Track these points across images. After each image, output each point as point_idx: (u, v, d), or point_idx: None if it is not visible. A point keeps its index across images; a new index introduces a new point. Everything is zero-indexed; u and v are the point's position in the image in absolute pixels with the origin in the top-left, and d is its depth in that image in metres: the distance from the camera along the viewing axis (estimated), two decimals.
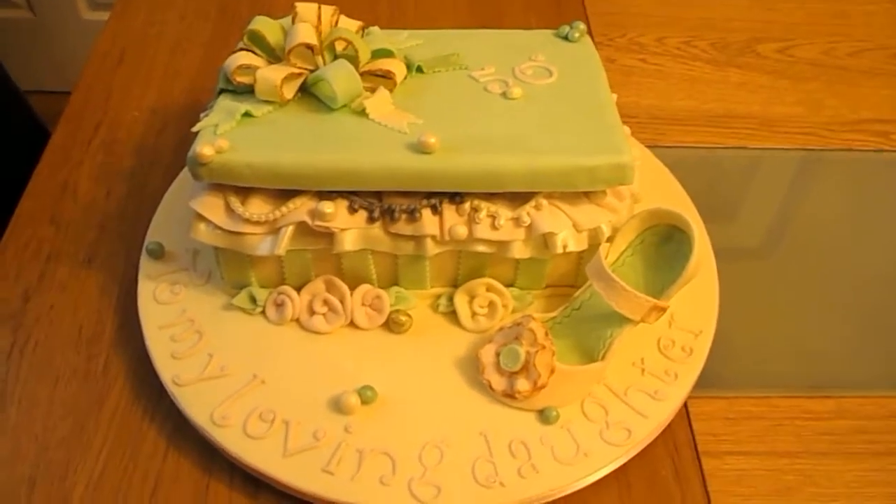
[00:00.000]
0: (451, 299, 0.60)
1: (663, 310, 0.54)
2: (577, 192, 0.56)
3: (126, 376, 0.59)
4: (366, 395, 0.54)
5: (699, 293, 0.61)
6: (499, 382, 0.54)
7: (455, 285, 0.60)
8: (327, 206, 0.54)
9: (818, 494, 0.55)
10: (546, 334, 0.54)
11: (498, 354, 0.55)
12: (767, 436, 0.58)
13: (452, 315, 0.60)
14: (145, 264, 0.62)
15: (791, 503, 0.55)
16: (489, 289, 0.59)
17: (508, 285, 0.60)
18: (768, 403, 0.60)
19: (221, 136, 0.54)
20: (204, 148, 0.53)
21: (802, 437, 0.58)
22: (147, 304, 0.60)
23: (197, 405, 0.54)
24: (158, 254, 0.62)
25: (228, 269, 0.59)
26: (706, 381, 0.59)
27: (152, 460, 0.55)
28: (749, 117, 0.84)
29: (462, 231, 0.55)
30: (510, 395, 0.54)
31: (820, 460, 0.57)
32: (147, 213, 0.67)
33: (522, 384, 0.53)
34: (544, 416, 0.54)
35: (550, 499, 0.52)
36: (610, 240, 0.57)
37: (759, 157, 0.80)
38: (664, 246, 0.57)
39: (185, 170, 0.69)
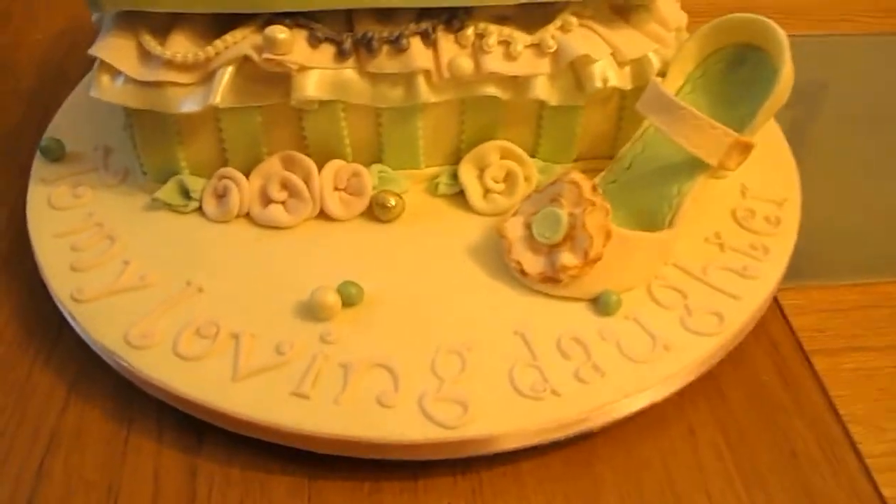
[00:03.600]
0: (453, 177, 0.45)
1: (748, 148, 0.40)
2: (613, 9, 0.42)
3: (11, 309, 0.43)
4: (348, 293, 0.38)
5: (772, 160, 0.47)
6: (533, 263, 0.39)
7: (457, 163, 0.45)
8: (280, 31, 0.39)
9: None
10: (594, 188, 0.39)
11: (529, 226, 0.40)
12: (888, 326, 0.44)
13: (457, 198, 0.44)
14: (39, 167, 0.46)
15: None
16: (505, 155, 0.44)
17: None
18: (879, 291, 0.46)
19: None
20: None
21: None
22: (39, 211, 0.44)
23: (105, 325, 0.38)
24: (56, 153, 0.47)
25: (149, 150, 0.43)
26: (798, 272, 0.44)
27: (45, 413, 0.38)
28: (768, 8, 0.72)
29: (466, 64, 0.40)
30: (551, 279, 0.39)
31: None
32: None
33: (568, 258, 0.38)
34: (602, 303, 0.39)
35: (620, 414, 0.36)
36: (661, 76, 0.43)
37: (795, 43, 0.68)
38: (734, 73, 0.43)
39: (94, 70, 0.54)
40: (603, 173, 0.43)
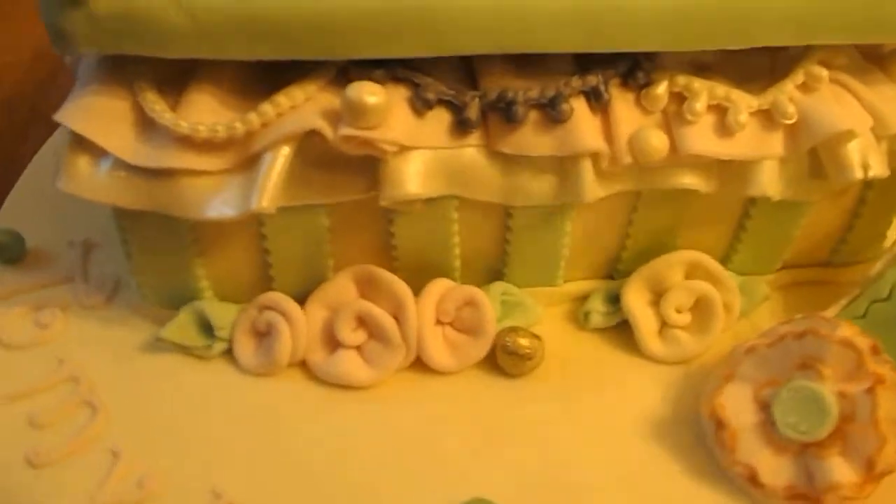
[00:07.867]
0: (611, 302, 0.30)
1: None
2: (864, 55, 0.28)
3: None
4: None
5: None
6: (776, 469, 0.24)
7: (611, 275, 0.31)
8: (369, 92, 0.24)
9: None
10: (876, 350, 0.25)
11: (765, 405, 0.25)
12: None
13: (617, 332, 0.30)
14: None
15: None
16: (692, 272, 0.29)
17: None
18: None
19: None
20: None
21: None
22: None
23: None
24: (13, 252, 0.31)
25: (150, 268, 0.28)
26: None
27: None
28: None
29: (658, 142, 0.26)
30: (807, 498, 0.24)
31: None
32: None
33: (840, 470, 0.24)
34: None
35: None
36: None
37: None
38: None
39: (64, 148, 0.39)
40: (842, 302, 0.29)
